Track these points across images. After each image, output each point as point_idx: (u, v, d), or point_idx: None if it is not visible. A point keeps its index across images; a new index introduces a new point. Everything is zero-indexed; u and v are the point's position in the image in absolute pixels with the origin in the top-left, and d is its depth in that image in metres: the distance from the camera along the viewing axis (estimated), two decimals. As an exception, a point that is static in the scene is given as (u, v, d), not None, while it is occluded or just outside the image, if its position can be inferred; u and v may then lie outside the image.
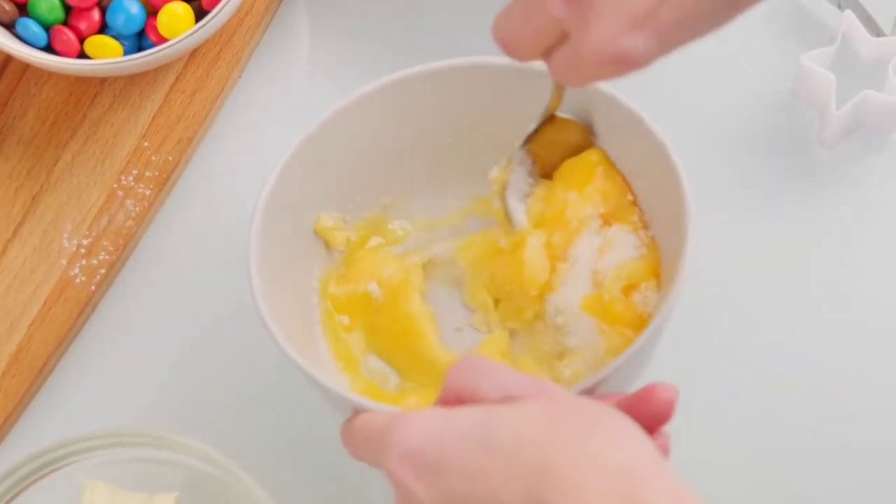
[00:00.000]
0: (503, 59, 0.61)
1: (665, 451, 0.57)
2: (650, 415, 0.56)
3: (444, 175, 0.75)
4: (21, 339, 0.76)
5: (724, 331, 0.75)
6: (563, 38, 0.55)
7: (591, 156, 0.70)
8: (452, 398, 0.54)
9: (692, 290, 0.66)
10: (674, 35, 0.52)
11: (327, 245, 0.74)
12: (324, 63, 0.84)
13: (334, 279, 0.73)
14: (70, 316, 0.77)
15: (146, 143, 0.81)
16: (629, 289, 0.69)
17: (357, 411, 0.60)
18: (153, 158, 0.80)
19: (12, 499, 0.67)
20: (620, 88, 0.67)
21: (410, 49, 0.82)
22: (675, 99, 0.79)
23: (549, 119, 0.69)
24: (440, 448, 0.50)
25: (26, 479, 0.66)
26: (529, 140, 0.70)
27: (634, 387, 0.59)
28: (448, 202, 0.75)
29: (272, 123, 0.83)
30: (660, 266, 0.69)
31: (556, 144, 0.71)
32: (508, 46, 0.58)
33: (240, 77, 0.84)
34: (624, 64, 0.52)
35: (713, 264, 0.75)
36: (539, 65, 0.59)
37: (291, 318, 0.69)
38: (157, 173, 0.80)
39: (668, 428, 0.57)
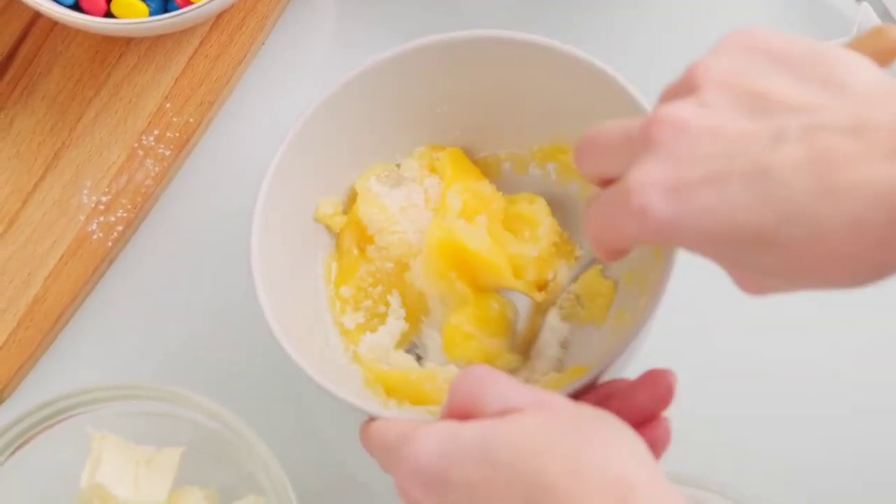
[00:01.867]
0: (507, 33, 0.61)
1: (667, 435, 0.58)
2: (651, 400, 0.58)
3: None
4: (37, 292, 0.77)
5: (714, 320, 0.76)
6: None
7: None
8: (457, 410, 0.55)
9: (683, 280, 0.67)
10: (698, 227, 0.49)
11: (329, 231, 0.74)
12: (348, 32, 0.85)
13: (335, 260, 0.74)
14: (86, 271, 0.78)
15: (168, 105, 0.82)
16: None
17: (371, 417, 0.62)
18: (174, 120, 0.81)
19: (22, 445, 0.68)
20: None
21: (437, 17, 0.82)
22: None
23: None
24: (446, 464, 0.52)
25: (36, 427, 0.68)
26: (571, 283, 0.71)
27: (626, 373, 0.60)
28: None
29: (294, 91, 0.83)
30: None
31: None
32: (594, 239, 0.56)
33: (263, 44, 0.84)
34: (635, 215, 0.50)
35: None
36: (538, 39, 0.58)
37: (298, 311, 0.70)
38: (177, 135, 0.81)
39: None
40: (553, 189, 0.75)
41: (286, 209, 0.70)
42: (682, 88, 0.51)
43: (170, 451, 0.69)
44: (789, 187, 0.46)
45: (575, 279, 0.70)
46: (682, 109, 0.50)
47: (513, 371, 0.71)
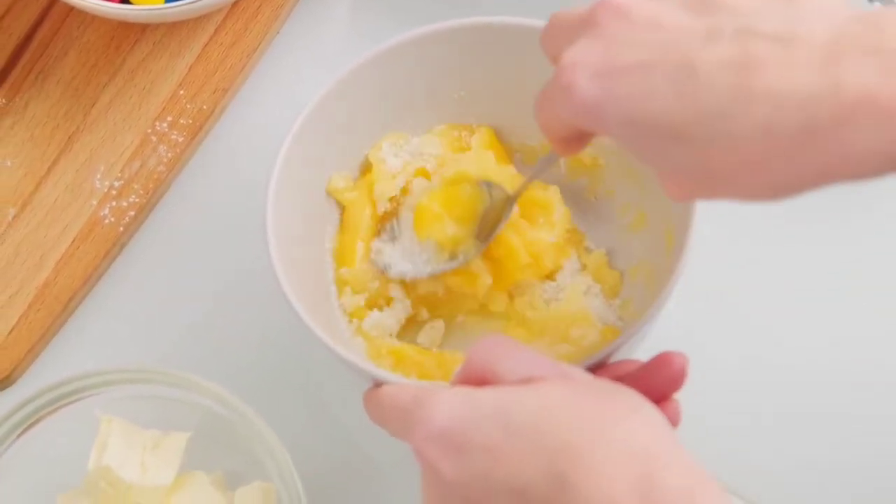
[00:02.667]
0: (513, 19, 0.61)
1: (676, 417, 0.58)
2: (663, 382, 0.58)
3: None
4: (48, 275, 0.78)
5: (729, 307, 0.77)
6: None
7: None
8: (474, 377, 0.55)
9: (698, 267, 0.67)
10: (617, 113, 0.50)
11: (340, 205, 0.75)
12: (362, 22, 0.85)
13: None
14: (97, 255, 0.78)
15: (182, 92, 0.82)
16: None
17: (378, 382, 0.62)
18: (188, 107, 0.82)
19: (30, 427, 0.68)
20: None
21: (451, 8, 0.82)
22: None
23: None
24: (464, 429, 0.52)
25: (44, 409, 0.68)
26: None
27: (635, 355, 0.60)
28: None
29: (307, 80, 0.83)
30: None
31: None
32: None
33: (278, 33, 0.85)
34: (564, 91, 0.51)
35: (721, 245, 0.76)
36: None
37: (308, 281, 0.70)
38: (190, 121, 0.81)
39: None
40: (562, 182, 0.75)
41: (301, 180, 0.71)
42: None
43: (177, 435, 0.69)
44: (710, 86, 0.47)
45: (538, 174, 0.70)
46: None
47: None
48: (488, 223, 0.72)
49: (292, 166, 0.69)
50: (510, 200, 0.71)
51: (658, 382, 0.58)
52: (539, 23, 0.69)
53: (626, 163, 0.73)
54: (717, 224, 0.70)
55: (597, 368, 0.62)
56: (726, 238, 0.77)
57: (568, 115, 0.52)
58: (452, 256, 0.72)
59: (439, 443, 0.52)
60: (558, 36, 0.55)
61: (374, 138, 0.75)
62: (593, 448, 0.49)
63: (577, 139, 0.57)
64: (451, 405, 0.53)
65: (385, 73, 0.72)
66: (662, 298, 0.64)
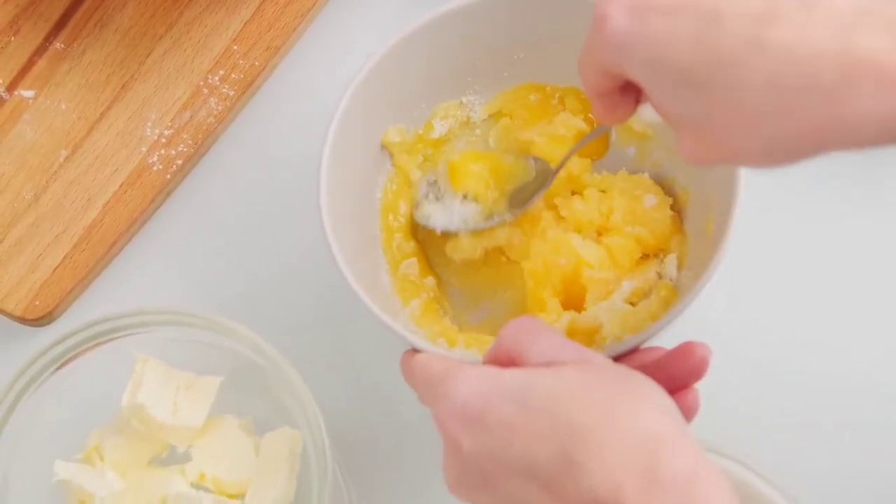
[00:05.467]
0: None
1: (696, 405, 0.59)
2: (685, 371, 0.60)
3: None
4: (95, 216, 0.80)
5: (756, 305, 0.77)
6: None
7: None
8: (503, 357, 0.57)
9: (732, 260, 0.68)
10: (643, 47, 0.52)
11: (392, 157, 0.76)
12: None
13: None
14: (143, 200, 0.80)
15: (235, 47, 0.84)
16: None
17: (414, 349, 0.64)
18: (240, 62, 0.83)
19: (68, 362, 0.70)
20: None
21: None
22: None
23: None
24: (485, 405, 0.54)
25: (83, 345, 0.69)
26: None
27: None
28: None
29: (358, 43, 0.85)
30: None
31: None
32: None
33: (333, -6, 0.86)
34: (598, 21, 0.53)
35: (758, 253, 0.77)
36: None
37: (353, 231, 0.72)
38: (242, 76, 0.83)
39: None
40: (612, 152, 0.76)
41: (357, 129, 0.72)
42: None
43: (210, 378, 0.71)
44: (729, 34, 0.48)
45: (582, 146, 0.71)
46: None
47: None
48: (527, 193, 0.73)
49: (351, 116, 0.70)
50: (552, 173, 0.72)
51: (679, 371, 0.59)
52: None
53: (674, 141, 0.73)
54: (759, 212, 0.71)
55: (620, 358, 0.63)
56: (769, 225, 0.78)
57: (599, 52, 0.54)
58: (488, 217, 0.73)
59: (460, 417, 0.54)
60: None
61: (435, 97, 0.76)
62: (602, 432, 0.50)
63: (616, 98, 0.58)
64: (475, 382, 0.55)
65: (442, 35, 0.73)
66: (699, 286, 0.65)
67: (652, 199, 0.73)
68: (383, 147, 0.76)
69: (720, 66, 0.49)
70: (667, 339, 0.63)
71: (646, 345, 0.64)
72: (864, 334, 0.76)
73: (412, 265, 0.74)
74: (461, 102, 0.77)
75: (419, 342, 0.65)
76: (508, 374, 0.55)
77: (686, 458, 0.50)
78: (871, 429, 0.74)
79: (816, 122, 0.47)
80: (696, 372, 0.60)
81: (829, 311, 0.77)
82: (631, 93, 0.58)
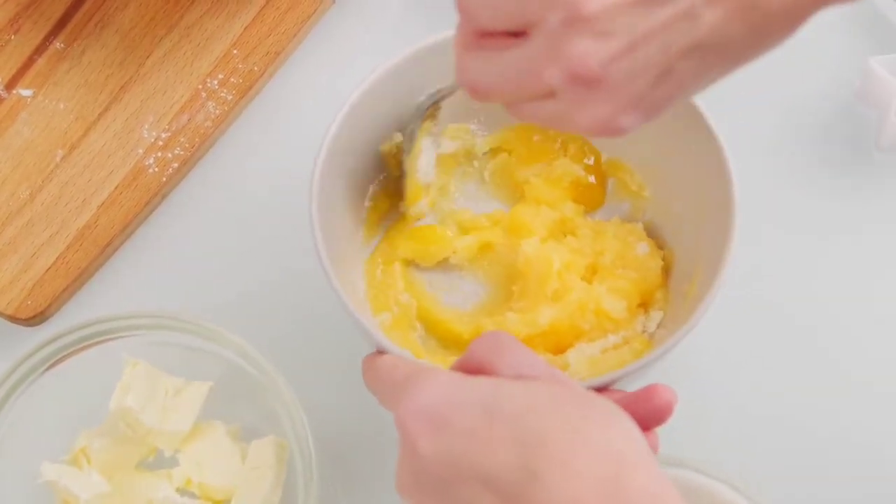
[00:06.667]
0: None
1: (654, 448, 0.59)
2: (648, 414, 0.59)
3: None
4: (90, 217, 0.80)
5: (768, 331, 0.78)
6: (545, 95, 0.54)
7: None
8: (472, 367, 0.57)
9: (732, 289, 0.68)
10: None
11: (387, 168, 0.76)
12: (417, 4, 0.86)
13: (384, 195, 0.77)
14: (139, 202, 0.80)
15: (235, 52, 0.84)
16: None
17: (379, 351, 0.64)
18: (239, 66, 0.83)
19: (58, 363, 0.70)
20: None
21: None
22: (735, 89, 0.80)
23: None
24: (449, 409, 0.53)
25: (73, 346, 0.70)
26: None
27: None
28: None
29: (359, 51, 0.85)
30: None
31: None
32: (479, 93, 0.56)
33: (334, 2, 0.86)
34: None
35: (754, 257, 0.77)
36: None
37: (340, 240, 0.72)
38: (241, 81, 0.83)
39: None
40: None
41: (357, 136, 0.72)
42: (553, 26, 0.52)
43: (199, 384, 0.71)
44: (727, 41, 0.51)
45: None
46: (590, 49, 0.51)
47: None
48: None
49: (350, 125, 0.70)
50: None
51: (643, 413, 0.59)
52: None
53: (668, 204, 0.74)
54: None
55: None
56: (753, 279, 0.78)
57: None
58: None
59: (422, 418, 0.53)
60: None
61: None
62: (567, 448, 0.50)
63: None
64: (442, 386, 0.54)
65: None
66: (671, 343, 0.65)
67: (644, 248, 0.73)
68: (381, 156, 0.75)
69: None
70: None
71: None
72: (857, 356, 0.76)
73: (392, 274, 0.74)
74: (470, 129, 0.78)
75: (389, 345, 0.65)
76: (477, 381, 0.54)
77: (651, 480, 0.50)
78: (845, 434, 0.75)
79: None
80: (660, 415, 0.60)
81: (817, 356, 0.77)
82: None
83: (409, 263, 0.76)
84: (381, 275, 0.75)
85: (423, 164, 0.73)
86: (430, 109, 0.72)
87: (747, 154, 0.69)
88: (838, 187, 0.80)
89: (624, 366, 0.66)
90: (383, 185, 0.76)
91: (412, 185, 0.73)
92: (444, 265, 0.77)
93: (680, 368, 0.62)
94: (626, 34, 0.50)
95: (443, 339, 0.74)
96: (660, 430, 0.60)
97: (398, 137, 0.75)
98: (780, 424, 0.75)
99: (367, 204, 0.76)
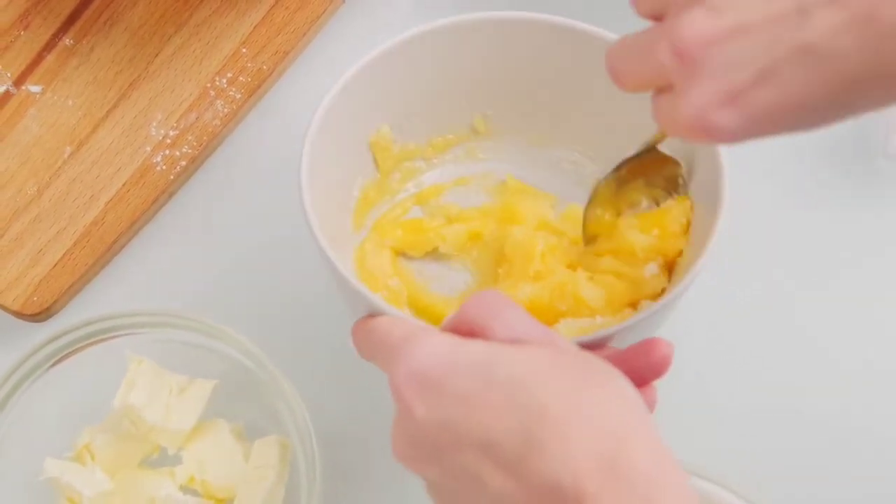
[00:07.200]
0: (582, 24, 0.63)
1: (652, 402, 0.59)
2: (645, 368, 0.59)
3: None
4: (97, 214, 0.80)
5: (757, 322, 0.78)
6: (669, 85, 0.53)
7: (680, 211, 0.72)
8: (464, 328, 0.56)
9: (728, 277, 0.68)
10: (767, 120, 0.50)
11: (375, 161, 0.76)
12: (428, 4, 0.86)
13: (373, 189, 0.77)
14: (146, 200, 0.80)
15: (244, 50, 0.84)
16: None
17: (372, 314, 0.62)
18: (248, 65, 0.83)
19: (62, 359, 0.70)
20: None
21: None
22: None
23: (650, 150, 0.69)
24: (445, 373, 0.52)
25: (77, 343, 0.70)
26: (628, 162, 0.70)
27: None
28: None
29: (369, 49, 0.84)
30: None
31: (648, 174, 0.71)
32: (617, 76, 0.56)
33: (344, 2, 0.86)
34: (708, 136, 0.51)
35: (759, 258, 0.77)
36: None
37: (332, 223, 0.71)
38: (249, 80, 0.83)
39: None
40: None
41: (343, 129, 0.72)
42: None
43: (203, 382, 0.71)
44: (838, 53, 0.48)
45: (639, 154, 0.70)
46: (697, 22, 0.50)
47: None
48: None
49: (336, 115, 0.70)
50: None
51: (641, 366, 0.59)
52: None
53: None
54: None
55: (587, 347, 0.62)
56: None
57: (689, 128, 0.52)
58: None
59: (418, 382, 0.52)
60: (636, 78, 0.55)
61: (433, 116, 0.76)
62: (568, 417, 0.49)
63: None
64: (438, 348, 0.53)
65: (443, 49, 0.73)
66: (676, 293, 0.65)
67: (653, 268, 0.72)
68: (369, 147, 0.75)
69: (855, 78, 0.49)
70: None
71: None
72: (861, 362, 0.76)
73: (381, 261, 0.74)
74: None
75: (387, 307, 0.63)
76: (474, 346, 0.53)
77: (649, 455, 0.49)
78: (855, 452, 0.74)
79: None
80: (658, 369, 0.59)
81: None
82: None
83: (399, 253, 0.76)
84: (371, 262, 0.74)
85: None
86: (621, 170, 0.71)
87: (751, 156, 0.69)
88: (841, 192, 0.80)
89: (614, 325, 0.64)
90: (371, 176, 0.76)
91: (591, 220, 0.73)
92: (433, 255, 0.76)
93: (678, 368, 0.62)
94: (737, 15, 0.49)
95: (432, 324, 0.74)
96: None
97: (385, 129, 0.75)
98: (780, 425, 0.75)
99: (355, 194, 0.76)
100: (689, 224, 0.70)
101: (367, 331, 0.60)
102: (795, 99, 0.49)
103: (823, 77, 0.48)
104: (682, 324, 0.68)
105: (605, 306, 0.70)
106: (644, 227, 0.71)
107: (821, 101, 0.49)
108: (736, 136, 0.50)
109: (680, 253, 0.70)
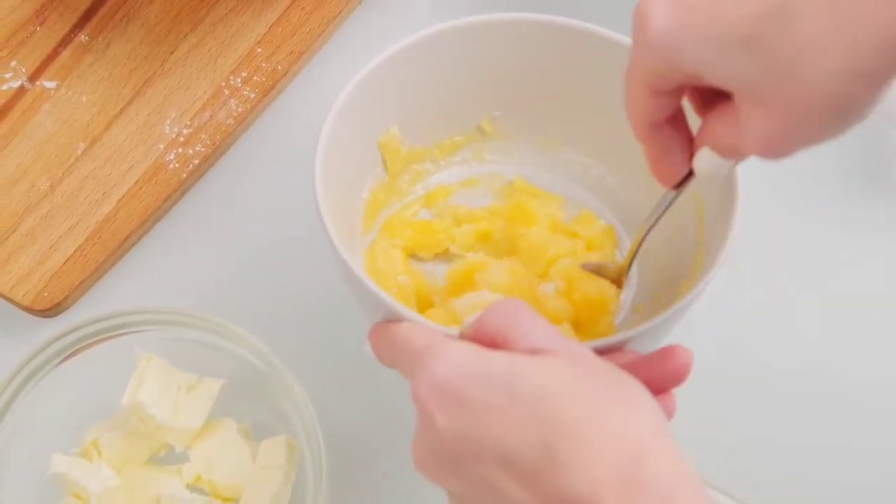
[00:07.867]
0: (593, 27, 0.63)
1: (671, 411, 0.59)
2: (665, 375, 0.59)
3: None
4: (109, 211, 0.80)
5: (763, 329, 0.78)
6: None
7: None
8: (484, 337, 0.56)
9: (731, 283, 0.68)
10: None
11: (384, 163, 0.76)
12: (443, 2, 0.86)
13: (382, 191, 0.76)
14: (158, 197, 0.80)
15: (259, 50, 0.84)
16: None
17: (390, 320, 0.62)
18: (263, 65, 0.83)
19: (72, 355, 0.70)
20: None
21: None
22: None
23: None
24: (468, 385, 0.52)
25: (87, 340, 0.70)
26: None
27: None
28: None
29: (383, 52, 0.84)
30: None
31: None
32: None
33: (359, 3, 0.86)
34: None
35: (762, 264, 0.77)
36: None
37: (343, 224, 0.71)
38: (264, 79, 0.83)
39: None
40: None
41: (355, 129, 0.71)
42: None
43: (211, 381, 0.71)
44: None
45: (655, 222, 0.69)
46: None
47: None
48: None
49: (347, 116, 0.70)
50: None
51: (660, 374, 0.58)
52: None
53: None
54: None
55: (604, 352, 0.62)
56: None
57: (649, 54, 0.54)
58: None
59: (441, 392, 0.52)
60: None
61: (444, 119, 0.76)
62: (589, 430, 0.49)
63: (667, 133, 0.59)
64: (460, 359, 0.53)
65: (459, 49, 0.73)
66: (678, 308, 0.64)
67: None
68: (379, 147, 0.75)
69: (770, 15, 0.50)
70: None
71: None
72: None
73: (391, 260, 0.74)
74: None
75: (409, 314, 0.62)
76: (497, 357, 0.53)
77: (669, 468, 0.49)
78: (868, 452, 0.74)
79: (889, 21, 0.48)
80: (678, 376, 0.59)
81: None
82: (682, 129, 0.59)
83: (409, 254, 0.76)
84: (381, 262, 0.74)
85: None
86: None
87: (754, 162, 0.69)
88: (847, 197, 0.80)
89: (635, 327, 0.64)
90: (380, 178, 0.76)
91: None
92: (443, 256, 0.76)
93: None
94: None
95: (445, 324, 0.74)
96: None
97: (394, 130, 0.75)
98: (780, 427, 0.74)
99: (365, 196, 0.76)
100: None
101: (388, 338, 0.60)
102: (720, 24, 0.52)
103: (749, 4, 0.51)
104: (684, 329, 0.68)
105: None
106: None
107: (741, 34, 0.51)
108: (659, 36, 0.53)
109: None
